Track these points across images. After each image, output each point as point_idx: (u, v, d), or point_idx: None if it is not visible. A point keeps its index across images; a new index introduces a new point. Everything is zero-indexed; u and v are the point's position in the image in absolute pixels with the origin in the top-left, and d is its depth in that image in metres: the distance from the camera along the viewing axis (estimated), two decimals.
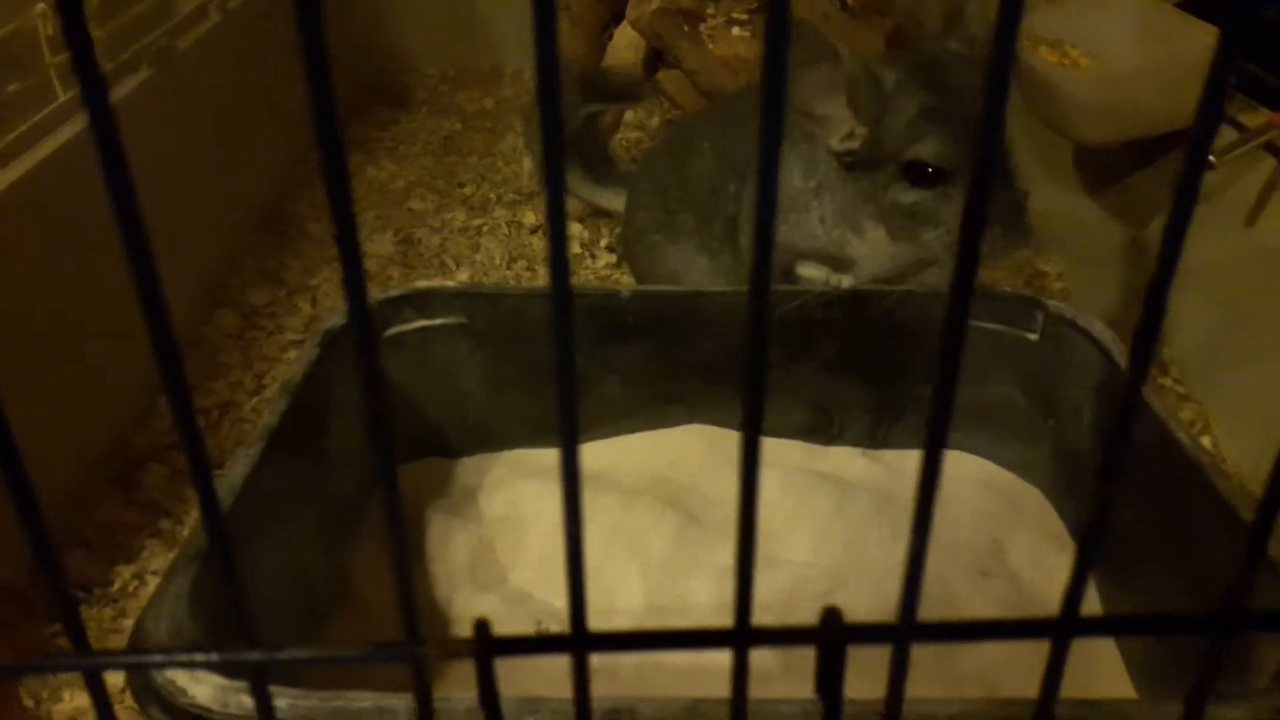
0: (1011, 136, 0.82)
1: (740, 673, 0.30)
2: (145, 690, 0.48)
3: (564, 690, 0.49)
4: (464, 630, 0.79)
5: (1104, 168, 1.14)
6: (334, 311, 0.87)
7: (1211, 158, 0.88)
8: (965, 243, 0.23)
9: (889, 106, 0.78)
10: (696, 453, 0.89)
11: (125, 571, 0.81)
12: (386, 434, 0.26)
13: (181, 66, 1.16)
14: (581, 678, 0.29)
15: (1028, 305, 0.82)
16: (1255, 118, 0.93)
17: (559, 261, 0.23)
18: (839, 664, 0.28)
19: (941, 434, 0.26)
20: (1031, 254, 0.89)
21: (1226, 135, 0.95)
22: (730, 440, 0.90)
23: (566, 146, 1.30)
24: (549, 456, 0.90)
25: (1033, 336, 0.81)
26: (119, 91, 1.06)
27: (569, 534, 0.27)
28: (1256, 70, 0.92)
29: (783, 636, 0.29)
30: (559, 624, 0.75)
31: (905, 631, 0.29)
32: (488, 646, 0.28)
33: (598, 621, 0.81)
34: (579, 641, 0.29)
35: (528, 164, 1.57)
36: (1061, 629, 0.29)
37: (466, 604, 0.75)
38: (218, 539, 0.26)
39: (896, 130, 0.78)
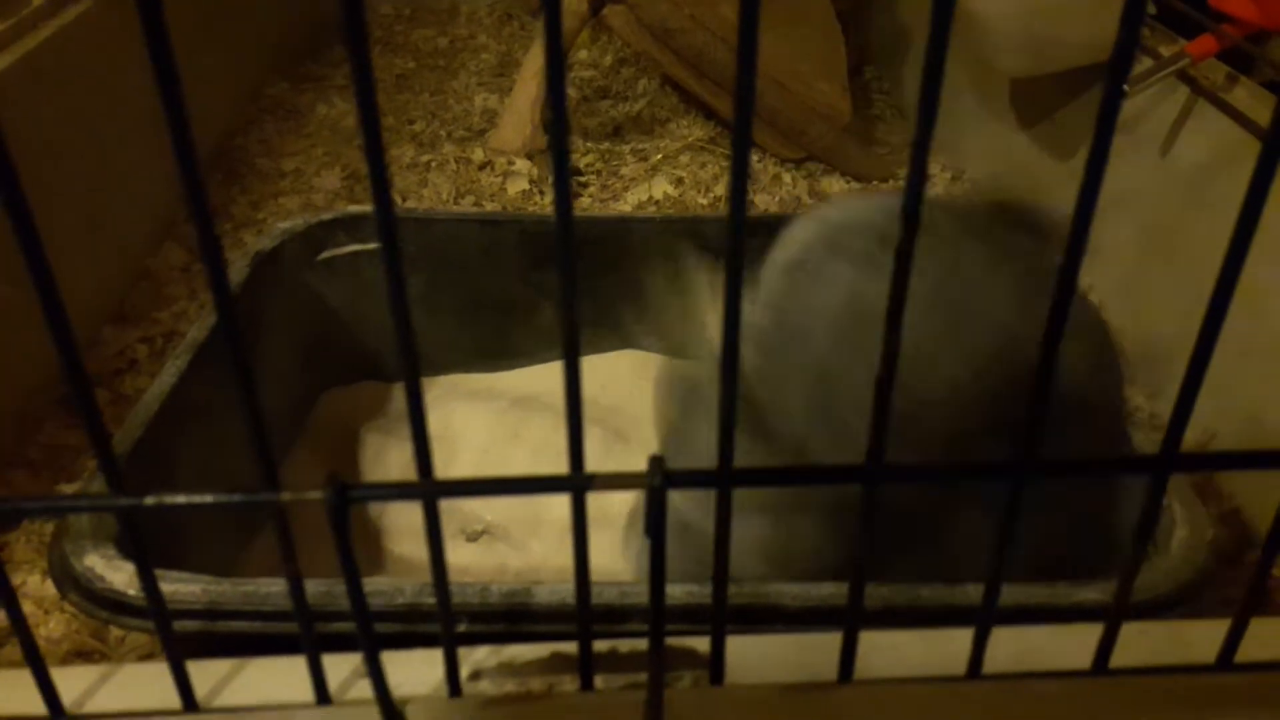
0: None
1: (579, 514, 0.32)
2: (65, 578, 0.51)
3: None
4: (395, 540, 0.81)
5: (1036, 101, 1.16)
6: None
7: (1125, 86, 0.90)
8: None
9: None
10: (626, 377, 0.91)
11: (67, 490, 0.83)
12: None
13: None
14: (433, 518, 0.32)
15: None
16: (1172, 47, 0.95)
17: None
18: (662, 506, 0.31)
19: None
20: None
21: (1144, 64, 0.97)
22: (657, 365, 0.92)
23: None
24: (482, 380, 0.92)
25: None
26: (59, 21, 1.06)
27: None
28: (1175, 3, 0.94)
29: (613, 481, 0.32)
30: (489, 533, 0.78)
31: (724, 477, 0.31)
32: (341, 493, 0.31)
33: (528, 529, 0.84)
34: (428, 488, 0.32)
35: (479, 101, 1.58)
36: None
37: (398, 515, 0.78)
38: (80, 385, 0.28)
39: None
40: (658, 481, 0.31)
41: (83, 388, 0.29)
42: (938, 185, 1.35)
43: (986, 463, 0.32)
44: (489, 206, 1.29)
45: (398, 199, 1.30)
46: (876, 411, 0.29)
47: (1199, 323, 0.31)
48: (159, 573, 0.51)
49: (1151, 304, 0.96)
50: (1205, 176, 0.89)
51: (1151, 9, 1.00)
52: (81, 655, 0.68)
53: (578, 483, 0.31)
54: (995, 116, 1.24)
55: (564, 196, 0.27)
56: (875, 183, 1.36)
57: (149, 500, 0.31)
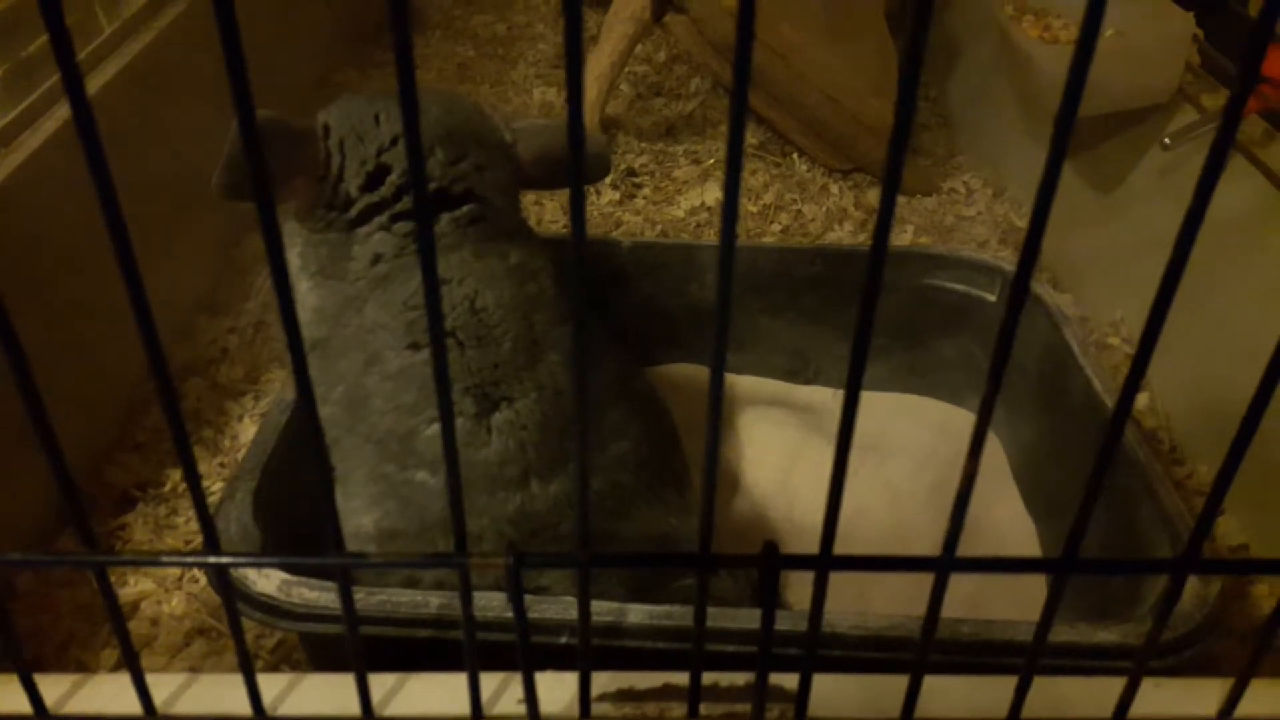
0: None
1: (702, 588, 0.40)
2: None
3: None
4: None
5: (1078, 134, 1.21)
6: None
7: (1166, 140, 0.96)
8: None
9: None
10: (680, 389, 0.98)
11: (174, 474, 0.91)
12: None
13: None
14: (584, 588, 0.39)
15: (989, 270, 0.91)
16: (1216, 100, 1.00)
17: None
18: (774, 583, 0.38)
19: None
20: None
21: (1187, 111, 1.03)
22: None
23: None
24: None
25: (991, 298, 0.91)
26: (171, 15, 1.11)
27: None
28: (1220, 55, 0.99)
29: (734, 561, 0.39)
30: None
31: (824, 561, 0.39)
32: (518, 560, 0.38)
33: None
34: (583, 559, 0.39)
35: (537, 95, 1.63)
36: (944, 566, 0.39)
37: None
38: (326, 487, 0.36)
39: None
40: (771, 563, 0.38)
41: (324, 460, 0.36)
42: (979, 201, 1.41)
43: (1034, 559, 0.39)
44: (548, 205, 1.36)
45: None
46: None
47: (1211, 363, 0.37)
48: (298, 579, 0.59)
49: (1172, 337, 1.03)
50: (1234, 229, 0.95)
51: (1194, 58, 1.05)
52: (202, 633, 0.77)
53: (703, 562, 0.39)
54: (1039, 143, 1.29)
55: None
56: (918, 195, 1.42)
57: (364, 562, 0.38)
